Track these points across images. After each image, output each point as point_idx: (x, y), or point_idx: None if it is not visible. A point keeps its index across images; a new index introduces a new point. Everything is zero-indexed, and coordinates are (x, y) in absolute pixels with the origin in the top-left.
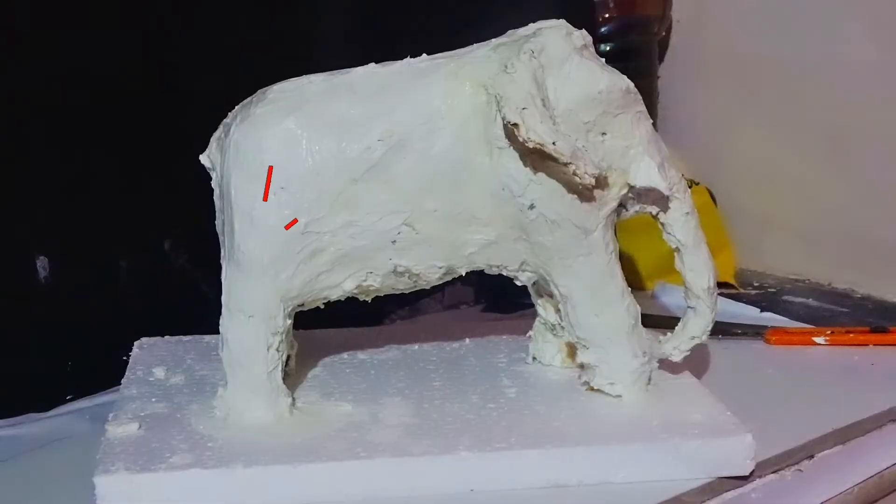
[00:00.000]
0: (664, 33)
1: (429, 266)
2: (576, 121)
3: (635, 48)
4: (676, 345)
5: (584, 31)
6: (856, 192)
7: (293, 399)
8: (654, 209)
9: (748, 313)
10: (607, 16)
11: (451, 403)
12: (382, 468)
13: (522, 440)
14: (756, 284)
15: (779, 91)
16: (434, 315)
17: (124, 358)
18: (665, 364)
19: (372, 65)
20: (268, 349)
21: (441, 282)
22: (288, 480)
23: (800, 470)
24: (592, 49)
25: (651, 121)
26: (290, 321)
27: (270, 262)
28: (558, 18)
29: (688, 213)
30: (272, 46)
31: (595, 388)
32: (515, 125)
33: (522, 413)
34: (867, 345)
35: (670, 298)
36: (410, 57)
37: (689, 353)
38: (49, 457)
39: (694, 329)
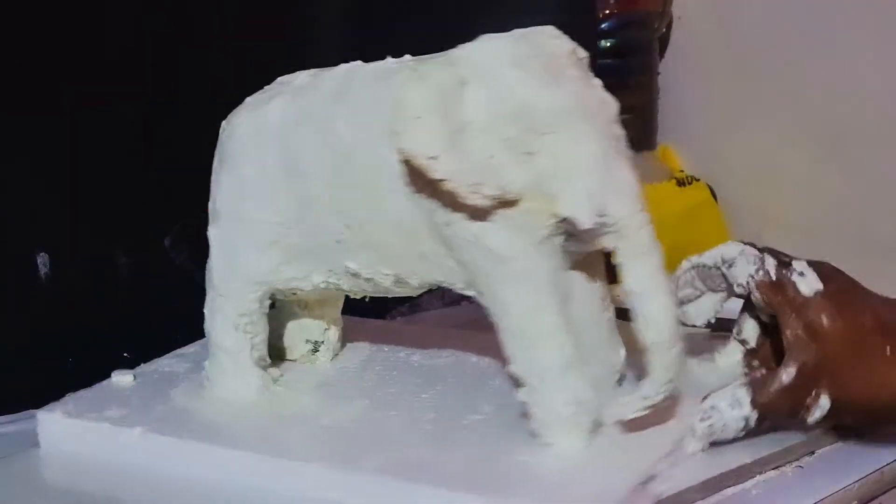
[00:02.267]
0: (664, 29)
1: (377, 272)
2: (494, 135)
3: (635, 44)
4: (628, 401)
5: (564, 40)
6: (857, 188)
7: (273, 380)
8: (604, 245)
9: None
10: (608, 12)
11: (405, 420)
12: (276, 465)
13: (432, 475)
14: None
15: (779, 87)
16: (435, 312)
17: (125, 355)
18: None
19: (357, 62)
20: (235, 329)
21: (403, 292)
22: (189, 454)
23: (800, 466)
24: (575, 59)
25: (610, 143)
26: (259, 305)
27: (231, 245)
28: (559, 15)
29: (643, 252)
30: (274, 46)
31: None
32: (396, 133)
33: (452, 447)
34: None
35: None
36: (411, 55)
37: (645, 412)
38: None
39: (646, 388)
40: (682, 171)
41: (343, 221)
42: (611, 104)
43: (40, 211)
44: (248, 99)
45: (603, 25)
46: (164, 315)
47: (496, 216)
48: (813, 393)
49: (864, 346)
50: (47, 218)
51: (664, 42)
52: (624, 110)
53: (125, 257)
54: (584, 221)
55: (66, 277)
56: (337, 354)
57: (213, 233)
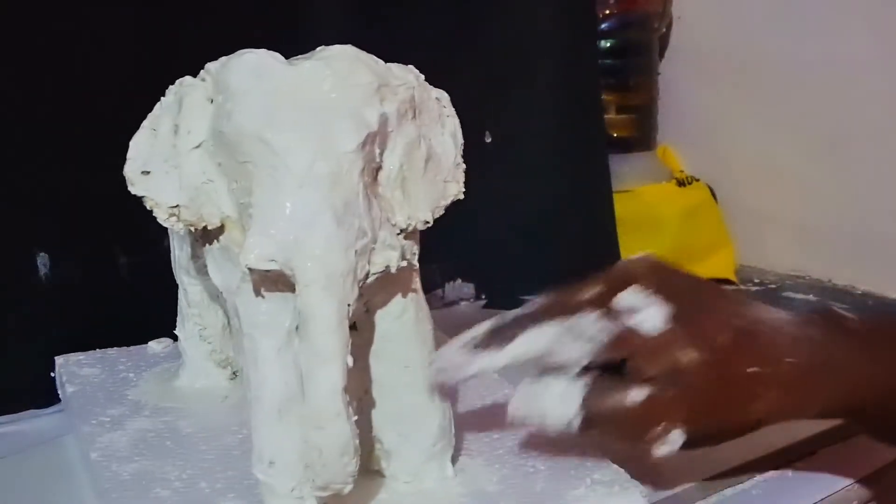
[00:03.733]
0: (664, 30)
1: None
2: (214, 159)
3: (635, 44)
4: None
5: (338, 64)
6: (856, 188)
7: (232, 375)
8: None
9: None
10: (608, 12)
11: (232, 444)
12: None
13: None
14: (756, 281)
15: (780, 88)
16: (435, 311)
17: None
18: None
19: None
20: (187, 318)
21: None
22: (75, 422)
23: (800, 466)
24: (350, 87)
25: (314, 182)
26: (203, 298)
27: (171, 237)
28: (559, 15)
29: (304, 312)
30: (277, 47)
31: None
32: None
33: (214, 473)
34: None
35: None
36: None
37: (325, 494)
38: (50, 453)
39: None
40: (682, 171)
41: None
42: (342, 143)
43: (40, 211)
44: None
45: (603, 26)
46: (165, 315)
47: (212, 245)
48: (662, 425)
49: (727, 368)
50: (47, 218)
51: (664, 42)
52: (624, 110)
53: (125, 257)
54: (241, 260)
55: (66, 277)
56: None
57: None
